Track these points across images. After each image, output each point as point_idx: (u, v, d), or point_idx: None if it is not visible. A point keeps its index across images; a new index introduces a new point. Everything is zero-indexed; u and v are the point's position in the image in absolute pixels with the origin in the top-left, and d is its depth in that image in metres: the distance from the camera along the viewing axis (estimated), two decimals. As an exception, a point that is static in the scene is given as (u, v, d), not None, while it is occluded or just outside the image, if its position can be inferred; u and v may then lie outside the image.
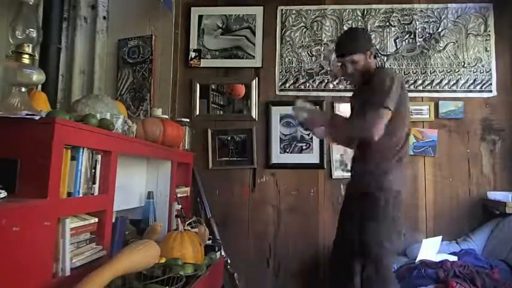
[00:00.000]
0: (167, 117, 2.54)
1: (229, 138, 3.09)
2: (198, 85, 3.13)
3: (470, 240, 2.74)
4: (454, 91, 3.00)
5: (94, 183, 1.49)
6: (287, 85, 3.10)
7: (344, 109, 2.99)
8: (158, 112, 2.48)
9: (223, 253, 2.54)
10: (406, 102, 1.94)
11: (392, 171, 1.90)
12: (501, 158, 2.95)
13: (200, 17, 3.20)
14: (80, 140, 1.37)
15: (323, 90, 3.07)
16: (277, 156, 3.05)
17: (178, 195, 2.45)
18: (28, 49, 1.34)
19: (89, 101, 1.72)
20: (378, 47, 3.07)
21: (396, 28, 3.08)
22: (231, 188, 3.05)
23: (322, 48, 3.11)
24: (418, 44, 3.05)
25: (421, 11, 3.08)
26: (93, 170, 1.49)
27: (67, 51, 2.88)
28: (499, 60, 3.00)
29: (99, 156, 1.51)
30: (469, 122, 2.98)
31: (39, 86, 2.08)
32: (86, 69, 2.92)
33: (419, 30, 3.06)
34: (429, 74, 3.02)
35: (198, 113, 3.12)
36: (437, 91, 3.01)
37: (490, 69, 2.99)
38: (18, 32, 1.34)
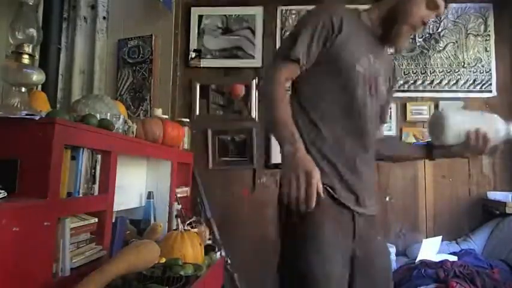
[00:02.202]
0: (167, 117, 2.54)
1: (229, 138, 3.08)
2: (198, 85, 3.13)
3: (470, 240, 2.74)
4: (454, 91, 3.00)
5: (94, 183, 1.49)
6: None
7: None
8: (158, 112, 2.48)
9: (223, 253, 2.54)
10: None
11: None
12: (501, 158, 2.94)
13: (200, 17, 3.20)
14: (80, 140, 1.37)
15: (323, 90, 3.07)
16: (277, 156, 3.04)
17: (178, 195, 2.45)
18: (28, 49, 1.34)
19: (89, 101, 1.72)
20: (377, 47, 3.07)
21: (396, 28, 3.07)
22: (231, 188, 3.04)
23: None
24: (418, 44, 3.05)
25: (421, 11, 3.07)
26: (93, 170, 1.49)
27: (67, 51, 2.88)
28: (499, 60, 3.00)
29: (99, 156, 1.51)
30: (469, 122, 2.97)
31: (39, 86, 2.08)
32: (85, 69, 2.92)
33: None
34: (429, 74, 3.02)
35: (198, 113, 3.11)
36: (437, 91, 3.01)
37: (490, 70, 2.99)
38: (18, 32, 1.34)
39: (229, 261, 2.72)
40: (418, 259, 2.42)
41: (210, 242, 2.38)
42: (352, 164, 1.16)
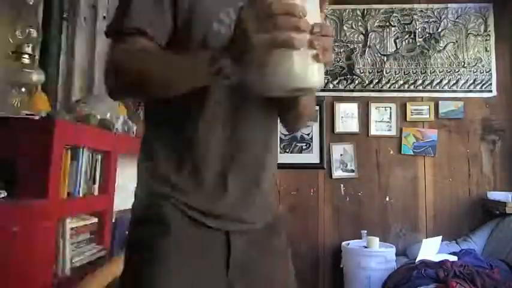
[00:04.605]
0: (167, 117, 2.53)
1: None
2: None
3: (470, 240, 2.74)
4: (454, 91, 3.00)
5: (94, 183, 1.49)
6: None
7: (344, 109, 3.00)
8: (158, 112, 2.47)
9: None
10: None
11: None
12: (501, 158, 2.94)
13: (200, 17, 3.19)
14: (80, 140, 1.37)
15: (323, 90, 3.06)
16: (278, 156, 3.04)
17: (178, 195, 2.44)
18: (28, 49, 1.35)
19: (89, 101, 1.72)
20: (377, 47, 3.07)
21: (396, 28, 3.08)
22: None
23: (322, 48, 3.10)
24: (418, 44, 3.05)
25: (421, 11, 3.07)
26: (93, 170, 1.49)
27: (67, 51, 2.88)
28: (499, 60, 2.99)
29: (99, 156, 1.51)
30: (469, 122, 2.97)
31: (39, 86, 2.08)
32: (85, 69, 2.92)
33: (419, 30, 3.06)
34: (429, 74, 3.02)
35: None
36: (437, 91, 3.01)
37: (490, 69, 2.99)
38: (18, 32, 1.34)
39: (229, 261, 2.72)
40: (418, 259, 2.42)
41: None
42: (220, 159, 0.79)
